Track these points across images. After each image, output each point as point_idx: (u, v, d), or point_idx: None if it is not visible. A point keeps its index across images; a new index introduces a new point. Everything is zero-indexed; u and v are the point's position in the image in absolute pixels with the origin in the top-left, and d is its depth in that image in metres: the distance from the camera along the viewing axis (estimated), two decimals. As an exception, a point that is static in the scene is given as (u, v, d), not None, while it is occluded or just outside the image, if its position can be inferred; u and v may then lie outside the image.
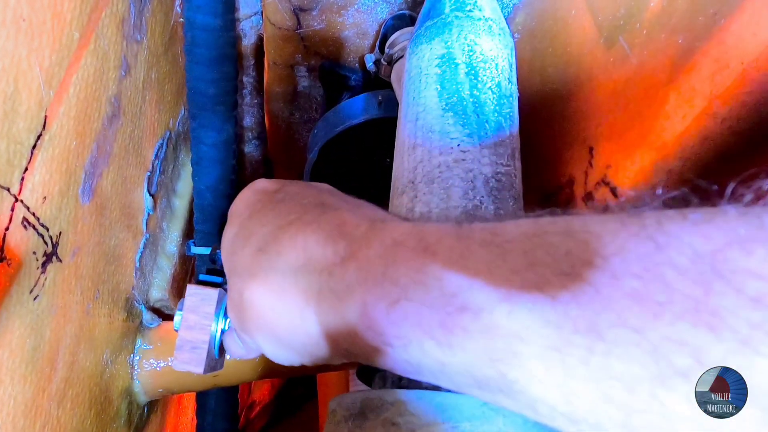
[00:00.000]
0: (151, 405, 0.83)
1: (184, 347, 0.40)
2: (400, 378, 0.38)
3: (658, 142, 0.46)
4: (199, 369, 0.40)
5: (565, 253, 0.25)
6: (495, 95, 0.47)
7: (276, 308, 0.34)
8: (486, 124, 0.45)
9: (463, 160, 0.43)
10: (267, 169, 1.12)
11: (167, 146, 0.83)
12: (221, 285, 0.43)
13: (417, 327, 0.27)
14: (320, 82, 0.86)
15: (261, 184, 0.45)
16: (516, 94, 0.51)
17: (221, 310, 0.42)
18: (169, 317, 0.85)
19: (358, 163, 0.81)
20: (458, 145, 0.44)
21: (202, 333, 0.40)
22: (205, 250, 0.89)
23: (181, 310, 0.42)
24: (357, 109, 0.76)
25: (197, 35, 0.74)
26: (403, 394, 0.34)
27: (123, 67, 0.64)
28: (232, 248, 0.39)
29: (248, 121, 1.05)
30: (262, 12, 0.85)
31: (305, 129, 0.94)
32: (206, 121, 0.79)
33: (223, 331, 0.42)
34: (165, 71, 0.80)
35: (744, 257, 0.22)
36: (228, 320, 0.42)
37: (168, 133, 0.83)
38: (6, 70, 0.41)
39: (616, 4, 0.53)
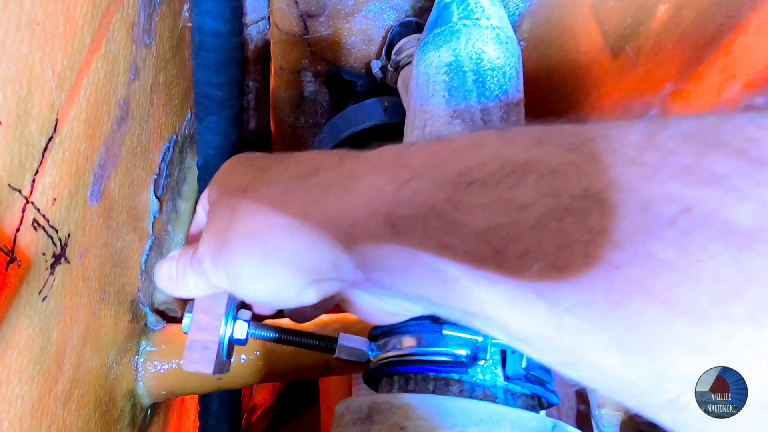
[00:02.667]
0: (155, 407, 0.84)
1: (194, 348, 0.40)
2: (407, 382, 0.38)
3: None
4: (209, 369, 0.40)
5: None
6: (503, 103, 0.48)
7: (273, 215, 0.32)
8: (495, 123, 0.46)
9: None
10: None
11: (174, 149, 0.83)
12: None
13: (424, 205, 0.27)
14: (326, 88, 0.86)
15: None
16: (523, 102, 0.51)
17: (230, 311, 0.42)
18: (173, 320, 0.85)
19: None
20: None
21: (212, 334, 0.40)
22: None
23: (190, 312, 0.42)
24: (363, 114, 0.76)
25: (205, 40, 0.74)
26: (411, 398, 0.34)
27: (132, 70, 0.65)
28: (224, 178, 0.38)
29: (253, 125, 1.05)
30: (269, 17, 0.86)
31: (311, 134, 0.94)
32: (213, 125, 0.80)
33: (231, 335, 0.42)
34: (173, 75, 0.81)
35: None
36: (236, 323, 0.42)
37: (174, 137, 0.84)
38: (20, 74, 0.42)
39: (623, 13, 0.53)
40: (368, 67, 0.79)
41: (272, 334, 0.44)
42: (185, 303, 0.89)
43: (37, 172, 0.46)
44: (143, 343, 0.77)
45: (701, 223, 0.22)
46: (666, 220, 0.22)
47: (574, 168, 0.24)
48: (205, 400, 0.91)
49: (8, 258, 0.43)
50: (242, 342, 0.43)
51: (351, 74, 0.81)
